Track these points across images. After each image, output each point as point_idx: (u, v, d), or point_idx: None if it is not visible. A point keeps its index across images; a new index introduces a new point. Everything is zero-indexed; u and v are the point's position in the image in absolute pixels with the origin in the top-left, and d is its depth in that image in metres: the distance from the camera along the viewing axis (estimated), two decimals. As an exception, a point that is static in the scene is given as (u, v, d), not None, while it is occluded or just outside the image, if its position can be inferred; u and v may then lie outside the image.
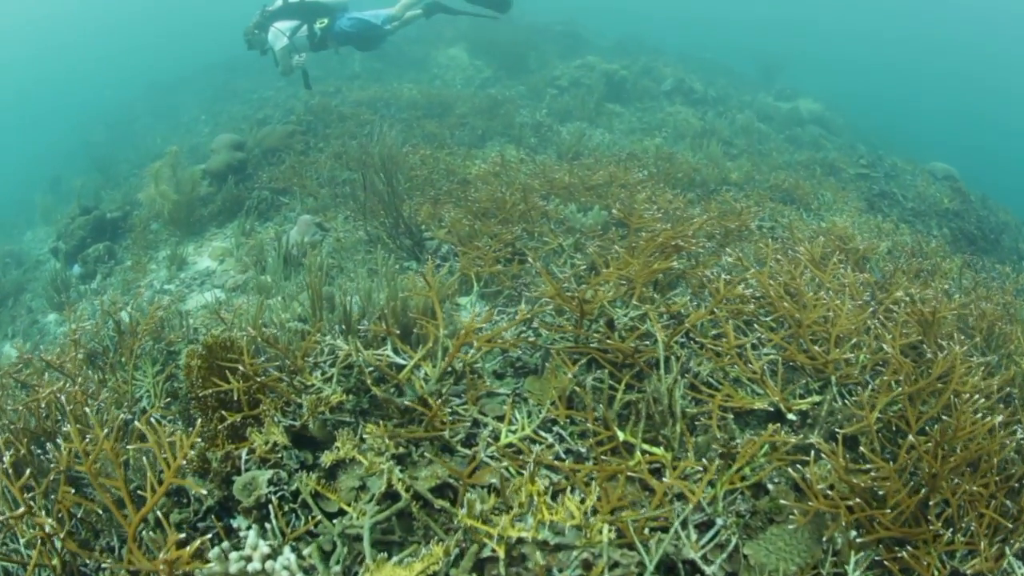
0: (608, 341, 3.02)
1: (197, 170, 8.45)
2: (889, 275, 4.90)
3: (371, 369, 3.04)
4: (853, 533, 2.39)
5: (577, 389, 2.87)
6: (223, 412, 3.23)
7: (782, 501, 2.56)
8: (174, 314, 6.25)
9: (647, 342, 3.26)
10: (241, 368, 3.05)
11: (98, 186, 13.23)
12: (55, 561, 2.34)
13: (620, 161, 7.01)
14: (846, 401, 3.18)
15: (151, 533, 2.32)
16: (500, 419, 2.87)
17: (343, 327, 3.49)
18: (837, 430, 2.94)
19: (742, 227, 5.60)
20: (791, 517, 2.49)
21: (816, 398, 3.29)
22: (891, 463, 2.59)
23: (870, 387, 3.31)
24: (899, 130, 20.40)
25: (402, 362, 3.09)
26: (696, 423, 2.97)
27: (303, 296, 4.76)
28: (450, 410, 2.89)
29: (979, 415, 2.69)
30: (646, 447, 2.67)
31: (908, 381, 3.10)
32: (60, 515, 2.46)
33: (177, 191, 7.70)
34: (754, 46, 20.27)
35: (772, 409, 3.04)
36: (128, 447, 3.10)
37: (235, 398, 3.14)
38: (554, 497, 2.50)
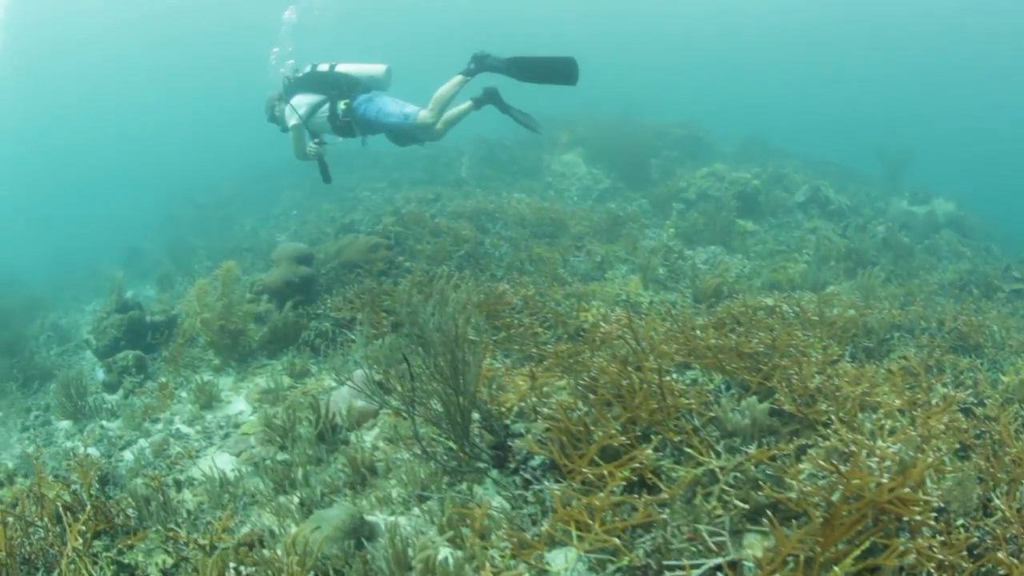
0: None
1: (251, 303, 7.13)
2: None
3: None
4: None
5: None
6: None
7: None
8: (169, 481, 4.67)
9: None
10: None
11: (163, 273, 12.13)
12: None
13: (775, 309, 5.22)
14: None
15: None
16: None
17: None
18: None
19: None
20: None
21: None
22: None
23: None
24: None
25: None
26: None
27: (321, 514, 3.19)
28: None
29: None
30: None
31: None
32: None
33: (223, 317, 6.43)
34: (867, 140, 18.00)
35: None
36: None
37: None
38: None
